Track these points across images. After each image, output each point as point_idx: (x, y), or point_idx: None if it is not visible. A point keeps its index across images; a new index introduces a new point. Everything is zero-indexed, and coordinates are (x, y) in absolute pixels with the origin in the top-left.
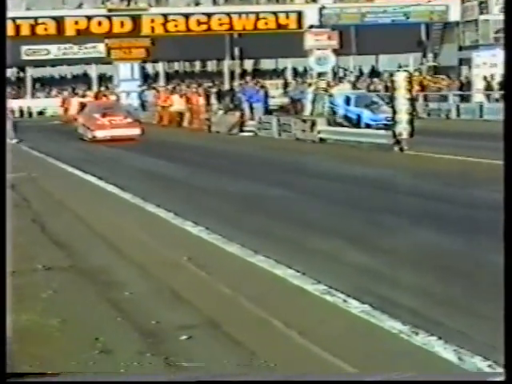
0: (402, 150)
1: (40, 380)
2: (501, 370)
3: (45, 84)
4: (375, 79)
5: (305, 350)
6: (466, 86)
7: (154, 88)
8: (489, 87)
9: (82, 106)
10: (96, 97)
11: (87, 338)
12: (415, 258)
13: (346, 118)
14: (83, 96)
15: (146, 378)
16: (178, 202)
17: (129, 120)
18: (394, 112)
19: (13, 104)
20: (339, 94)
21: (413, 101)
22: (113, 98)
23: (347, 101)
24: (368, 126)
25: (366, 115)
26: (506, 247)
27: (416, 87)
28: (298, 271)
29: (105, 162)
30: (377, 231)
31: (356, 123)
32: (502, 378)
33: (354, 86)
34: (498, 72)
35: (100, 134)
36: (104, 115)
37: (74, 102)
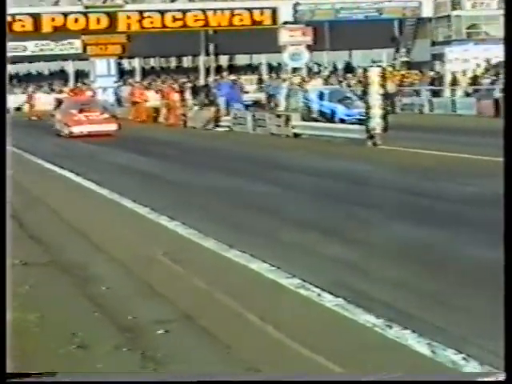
0: (375, 144)
1: (40, 380)
2: (496, 370)
3: (22, 80)
4: (349, 75)
5: (280, 344)
6: (437, 80)
7: (129, 84)
8: (454, 82)
9: (59, 102)
10: (73, 92)
11: (65, 333)
12: (389, 250)
13: (320, 113)
14: (60, 92)
15: (147, 378)
16: (154, 197)
17: (105, 116)
18: (368, 107)
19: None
20: (313, 90)
21: (387, 96)
22: (89, 93)
23: (321, 96)
24: (342, 120)
25: (340, 110)
26: (505, 247)
27: (395, 82)
28: (273, 265)
29: (81, 157)
30: (351, 224)
31: (330, 118)
32: (502, 378)
33: (327, 82)
34: (470, 67)
35: (77, 129)
36: (81, 111)
37: (40, 98)
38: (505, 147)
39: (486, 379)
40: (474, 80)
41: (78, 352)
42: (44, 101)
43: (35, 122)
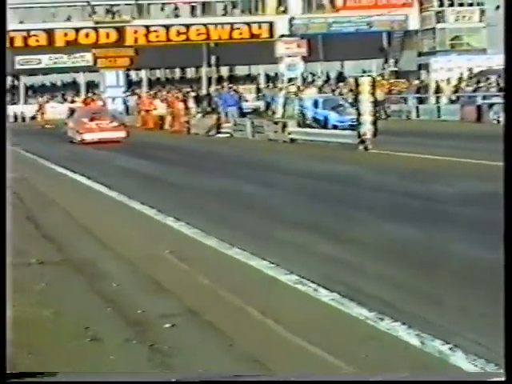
0: (366, 148)
1: (40, 380)
2: (500, 369)
3: (37, 91)
4: (341, 84)
5: (279, 337)
6: (423, 88)
7: (136, 94)
8: (439, 90)
9: (72, 110)
10: (84, 102)
11: (78, 327)
12: (380, 248)
13: (314, 119)
14: (72, 102)
15: (147, 378)
16: (160, 199)
17: (115, 124)
18: (359, 114)
19: (8, 109)
20: (308, 98)
21: (377, 103)
22: (99, 103)
23: (315, 104)
24: (335, 127)
25: (333, 117)
26: (505, 247)
27: (384, 90)
28: (272, 262)
29: (92, 162)
30: (344, 224)
31: (323, 124)
32: (502, 378)
33: (321, 90)
34: (454, 76)
35: (88, 136)
36: (92, 119)
37: (49, 108)
38: (505, 151)
39: (486, 379)
40: (457, 88)
41: (91, 345)
42: (55, 110)
43: (48, 130)
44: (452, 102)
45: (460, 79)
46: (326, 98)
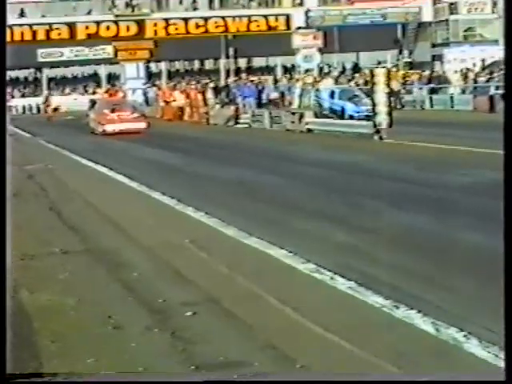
0: (381, 138)
1: (40, 380)
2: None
3: (59, 83)
4: (356, 75)
5: (298, 324)
6: (435, 79)
7: (156, 85)
8: (465, 79)
9: (93, 102)
10: (108, 93)
11: (100, 315)
12: (395, 237)
13: (331, 110)
14: (93, 93)
15: (147, 378)
16: (180, 189)
17: (135, 115)
18: (374, 104)
19: (31, 101)
20: (325, 89)
21: (392, 94)
22: (120, 94)
23: (332, 94)
24: (351, 117)
25: (349, 107)
26: (505, 245)
27: (399, 81)
28: (290, 251)
29: (113, 153)
30: (358, 213)
31: (340, 115)
32: (502, 378)
33: (337, 81)
34: (466, 66)
35: (109, 127)
36: (113, 111)
37: (71, 99)
38: (505, 143)
39: (486, 379)
40: (467, 78)
41: (114, 332)
42: (76, 101)
43: (71, 121)
44: (463, 92)
45: (468, 70)
46: (342, 89)
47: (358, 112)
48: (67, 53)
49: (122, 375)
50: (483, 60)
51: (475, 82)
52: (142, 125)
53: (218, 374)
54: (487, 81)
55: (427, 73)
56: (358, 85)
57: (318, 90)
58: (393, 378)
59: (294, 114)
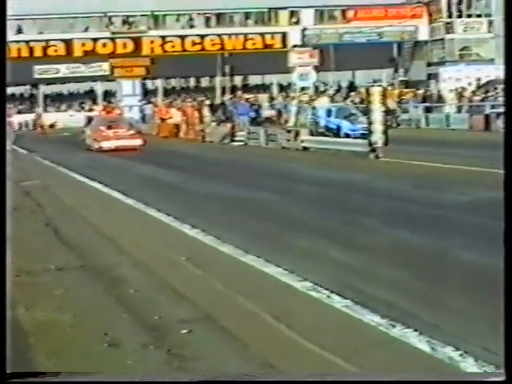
0: (377, 157)
1: (40, 380)
2: (501, 370)
3: (55, 100)
4: (352, 93)
5: (293, 342)
6: (429, 97)
7: (152, 102)
8: (460, 97)
9: (89, 119)
10: (105, 110)
11: (96, 332)
12: (391, 255)
13: (327, 128)
14: (90, 110)
15: (148, 378)
16: (176, 206)
17: (131, 132)
18: (370, 123)
19: (27, 118)
20: (321, 107)
21: (387, 112)
22: (117, 111)
23: (329, 113)
24: (347, 135)
25: (345, 125)
26: (506, 249)
27: (394, 100)
28: (286, 269)
29: (109, 170)
30: (355, 231)
31: (336, 133)
32: (502, 378)
33: (333, 99)
34: (462, 85)
35: (105, 144)
36: (109, 127)
37: (67, 116)
38: (505, 155)
39: (486, 379)
40: (461, 97)
41: (110, 350)
42: (72, 118)
43: (66, 138)
44: (459, 111)
45: (463, 89)
46: (339, 107)
47: (353, 130)
48: (63, 69)
49: (122, 375)
50: (479, 79)
51: (470, 100)
52: (138, 142)
53: (214, 375)
54: (482, 100)
55: (422, 91)
56: (354, 103)
57: (314, 108)
58: (392, 377)
59: (289, 131)
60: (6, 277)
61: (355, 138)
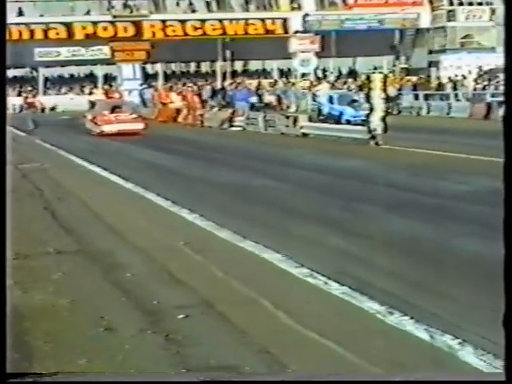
0: (377, 144)
1: (40, 380)
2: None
3: (56, 83)
4: (349, 80)
5: (291, 329)
6: (423, 85)
7: (153, 86)
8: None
9: (92, 103)
10: (106, 94)
11: (93, 316)
12: (389, 242)
13: (329, 114)
14: (90, 93)
15: (148, 378)
16: (175, 191)
17: (134, 116)
18: (371, 110)
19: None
20: (324, 94)
21: (388, 99)
22: (116, 95)
23: (331, 99)
24: (348, 122)
25: (348, 112)
26: (506, 245)
27: (396, 87)
28: (284, 255)
29: (109, 154)
30: (354, 218)
31: (337, 119)
32: (502, 378)
33: (333, 86)
34: (462, 73)
35: (107, 128)
36: (112, 111)
37: (67, 99)
38: (505, 147)
39: (486, 379)
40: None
41: (106, 334)
42: (73, 101)
43: (67, 122)
44: (458, 99)
45: (463, 77)
46: (340, 94)
47: (355, 117)
48: (64, 52)
49: (123, 375)
50: (480, 67)
51: (475, 89)
52: (140, 126)
53: (215, 375)
54: (483, 88)
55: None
56: (350, 90)
57: (315, 94)
58: (391, 377)
59: (288, 117)
60: (5, 278)
61: (356, 124)
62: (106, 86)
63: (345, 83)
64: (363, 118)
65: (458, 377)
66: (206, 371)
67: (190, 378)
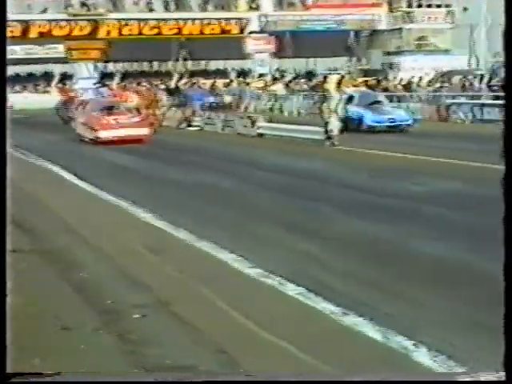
0: (333, 145)
1: (40, 380)
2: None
3: (11, 81)
4: (302, 80)
5: (246, 329)
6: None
7: (107, 85)
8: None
9: (81, 103)
10: (62, 91)
11: (49, 316)
12: (345, 243)
13: (346, 119)
14: (44, 92)
15: (148, 378)
16: (134, 191)
17: (136, 119)
18: (327, 110)
19: None
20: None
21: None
22: (71, 93)
23: (350, 99)
24: (371, 128)
25: (369, 117)
26: (506, 248)
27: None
28: (239, 255)
29: (62, 151)
30: (309, 218)
31: (358, 126)
32: (502, 378)
33: (288, 86)
34: (418, 74)
35: (104, 134)
36: (109, 113)
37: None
38: (505, 150)
39: (485, 379)
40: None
41: (61, 334)
42: (26, 100)
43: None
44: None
45: (420, 79)
46: (362, 93)
47: (379, 122)
48: (18, 51)
49: (123, 375)
50: (435, 69)
51: (435, 91)
52: (145, 131)
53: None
54: (438, 90)
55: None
56: (303, 90)
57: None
58: (390, 377)
59: (245, 118)
60: (5, 277)
61: (380, 130)
62: (61, 85)
63: (296, 83)
64: (389, 123)
65: (458, 377)
66: (165, 371)
67: (191, 379)
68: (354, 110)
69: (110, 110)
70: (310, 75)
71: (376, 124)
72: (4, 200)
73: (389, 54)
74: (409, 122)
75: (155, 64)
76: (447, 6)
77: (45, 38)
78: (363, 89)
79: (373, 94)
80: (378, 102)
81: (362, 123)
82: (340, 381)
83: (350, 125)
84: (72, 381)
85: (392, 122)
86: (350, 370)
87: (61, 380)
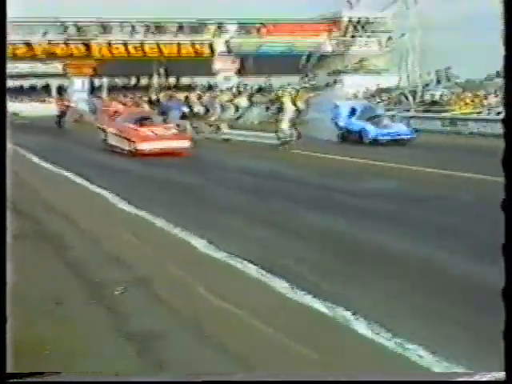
0: (288, 148)
1: (40, 380)
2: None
3: (16, 92)
4: (262, 93)
5: (214, 305)
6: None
7: (99, 97)
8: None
9: (114, 113)
10: (60, 101)
11: (44, 292)
12: (303, 233)
13: (347, 130)
14: (43, 101)
15: (148, 378)
16: (118, 186)
17: (174, 131)
18: (281, 119)
19: None
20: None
21: (299, 111)
22: (66, 103)
23: (353, 112)
24: (376, 141)
25: (371, 130)
26: (506, 250)
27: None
28: (209, 241)
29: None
30: (268, 210)
31: (359, 137)
32: (502, 378)
33: (251, 99)
34: (360, 90)
35: (144, 146)
36: (141, 125)
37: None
38: (505, 158)
39: (485, 379)
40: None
41: (56, 307)
42: (34, 108)
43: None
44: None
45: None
46: (365, 106)
47: (383, 135)
48: (25, 67)
49: (123, 375)
50: (367, 88)
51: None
52: (186, 143)
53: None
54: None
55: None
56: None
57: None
58: (390, 377)
59: (212, 125)
60: (5, 277)
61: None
62: (59, 96)
63: (251, 96)
64: (393, 137)
65: (458, 377)
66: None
67: (191, 379)
68: (354, 122)
69: (143, 121)
70: (265, 90)
71: (382, 137)
72: (4, 202)
73: (333, 72)
74: (409, 136)
75: (136, 79)
76: (386, 31)
77: (47, 56)
78: (365, 102)
79: (373, 106)
80: (378, 117)
81: (363, 135)
82: (340, 381)
83: (351, 136)
84: (72, 381)
85: (397, 135)
86: (297, 334)
87: (61, 380)
